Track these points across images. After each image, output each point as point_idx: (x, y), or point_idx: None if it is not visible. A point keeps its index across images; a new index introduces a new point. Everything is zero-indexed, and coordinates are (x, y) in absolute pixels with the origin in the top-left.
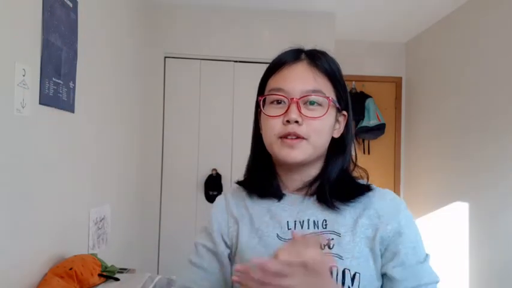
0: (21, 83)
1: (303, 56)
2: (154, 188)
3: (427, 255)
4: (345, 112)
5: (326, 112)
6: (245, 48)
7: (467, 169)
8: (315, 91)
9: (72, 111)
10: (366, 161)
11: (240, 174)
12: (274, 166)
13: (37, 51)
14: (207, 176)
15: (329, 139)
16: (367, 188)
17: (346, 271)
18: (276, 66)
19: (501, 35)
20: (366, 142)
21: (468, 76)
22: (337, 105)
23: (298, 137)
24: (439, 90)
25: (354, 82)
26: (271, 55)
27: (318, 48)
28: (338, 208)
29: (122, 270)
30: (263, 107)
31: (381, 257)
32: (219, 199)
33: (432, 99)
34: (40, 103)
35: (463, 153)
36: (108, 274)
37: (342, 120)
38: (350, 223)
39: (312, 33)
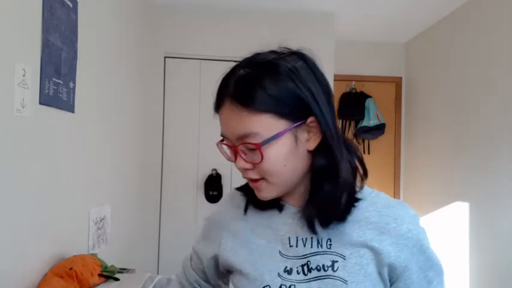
0: (21, 83)
1: (228, 93)
2: (155, 188)
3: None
4: (311, 118)
5: (261, 157)
6: (245, 48)
7: (468, 169)
8: (244, 137)
9: (72, 111)
10: (366, 161)
11: (240, 174)
12: None
13: (37, 51)
14: (207, 176)
15: (296, 163)
16: (351, 204)
17: None
18: (214, 108)
19: (501, 35)
20: (366, 142)
21: (468, 76)
22: (288, 128)
23: (257, 179)
24: (439, 90)
25: (353, 82)
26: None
27: (261, 47)
28: (316, 233)
29: (122, 270)
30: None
31: (390, 285)
32: (212, 216)
33: (432, 99)
34: (40, 103)
35: (463, 153)
36: (108, 274)
37: (314, 126)
38: (357, 242)
39: (312, 33)
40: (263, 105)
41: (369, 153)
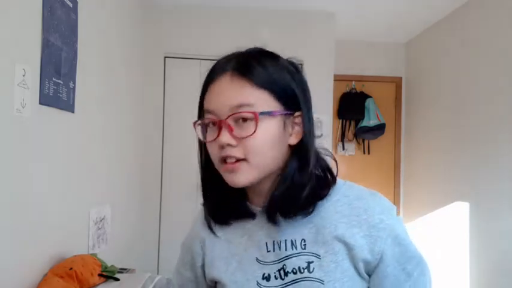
0: (21, 83)
1: (229, 66)
2: (155, 188)
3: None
4: (298, 113)
5: (255, 129)
6: (245, 48)
7: (468, 169)
8: (241, 106)
9: (72, 111)
10: (366, 161)
11: None
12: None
13: (37, 51)
14: None
15: (279, 151)
16: (317, 197)
17: None
18: (205, 83)
19: (501, 35)
20: (366, 142)
21: (468, 76)
22: (281, 112)
23: (236, 159)
24: (438, 90)
25: (353, 82)
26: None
27: (262, 46)
28: (279, 225)
29: (122, 270)
30: (204, 131)
31: (368, 280)
32: (190, 234)
33: (432, 99)
34: (40, 103)
35: (463, 153)
36: (108, 274)
37: (300, 121)
38: (330, 238)
39: (312, 33)
40: (262, 81)
41: (369, 153)
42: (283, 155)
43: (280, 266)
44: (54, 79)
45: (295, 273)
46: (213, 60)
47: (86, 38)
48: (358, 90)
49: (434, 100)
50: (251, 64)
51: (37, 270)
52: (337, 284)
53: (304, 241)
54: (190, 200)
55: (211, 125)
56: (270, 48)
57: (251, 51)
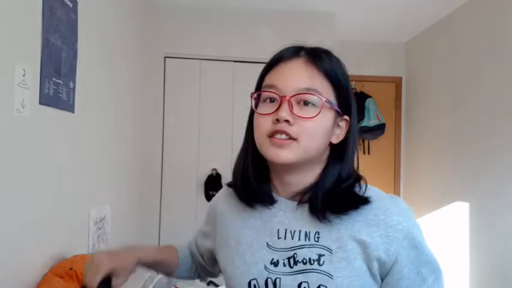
0: (21, 83)
1: (302, 53)
2: (155, 188)
3: (436, 272)
4: (346, 117)
5: (319, 113)
6: (245, 48)
7: (468, 169)
8: (308, 90)
9: (72, 111)
10: (366, 161)
11: None
12: (268, 169)
13: (37, 51)
14: (207, 176)
15: (324, 143)
16: (364, 201)
17: None
18: (273, 62)
19: (501, 35)
20: (366, 142)
21: (468, 76)
22: (336, 108)
23: (288, 137)
24: (439, 90)
25: (353, 82)
26: (271, 55)
27: (323, 46)
28: (329, 221)
29: None
30: (256, 104)
31: (381, 280)
32: (214, 201)
33: (432, 99)
34: (40, 103)
35: (463, 153)
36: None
37: (344, 125)
38: (345, 237)
39: (312, 33)
40: (330, 74)
41: (369, 153)
42: (324, 149)
43: (290, 254)
44: (54, 79)
45: (305, 263)
46: (213, 60)
47: (86, 38)
48: (358, 90)
49: (434, 100)
50: (323, 56)
51: (37, 270)
52: (345, 280)
53: (318, 234)
54: (190, 199)
55: (268, 100)
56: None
57: (319, 47)
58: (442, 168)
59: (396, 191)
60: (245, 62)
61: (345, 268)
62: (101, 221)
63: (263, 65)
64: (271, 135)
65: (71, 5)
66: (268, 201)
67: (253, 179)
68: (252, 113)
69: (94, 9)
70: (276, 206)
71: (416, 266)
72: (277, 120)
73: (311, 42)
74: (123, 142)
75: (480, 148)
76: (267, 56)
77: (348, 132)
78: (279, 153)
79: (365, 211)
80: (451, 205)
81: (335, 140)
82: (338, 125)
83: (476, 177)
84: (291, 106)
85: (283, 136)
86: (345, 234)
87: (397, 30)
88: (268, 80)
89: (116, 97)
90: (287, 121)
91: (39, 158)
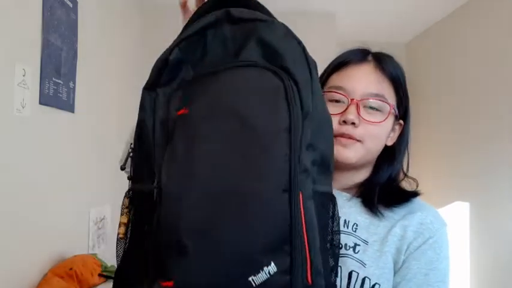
0: (21, 83)
1: (370, 57)
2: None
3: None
4: (401, 121)
5: (386, 118)
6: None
7: (468, 169)
8: (377, 95)
9: (72, 111)
10: None
11: None
12: None
13: (37, 51)
14: None
15: (383, 145)
16: (413, 194)
17: (367, 280)
18: (340, 64)
19: (501, 35)
20: None
21: (468, 76)
22: (396, 113)
23: (352, 138)
24: (439, 91)
25: None
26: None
27: (384, 51)
28: (381, 214)
29: None
30: None
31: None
32: None
33: (432, 99)
34: (40, 103)
35: (463, 153)
36: (108, 274)
37: (398, 128)
38: (382, 233)
39: (312, 33)
40: (395, 81)
41: None
42: (380, 150)
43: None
44: (54, 79)
45: (340, 248)
46: None
47: (86, 38)
48: None
49: (435, 100)
50: (388, 62)
51: (37, 270)
52: (377, 271)
53: (356, 225)
54: None
55: (334, 101)
56: None
57: (382, 52)
58: (442, 168)
59: None
60: None
61: (378, 260)
62: (101, 221)
63: None
64: (337, 136)
65: (71, 5)
66: None
67: None
68: None
69: (94, 9)
70: None
71: (427, 268)
72: (344, 121)
73: (311, 42)
74: (123, 142)
75: (480, 148)
76: None
77: (402, 135)
78: (343, 153)
79: (403, 211)
80: (451, 205)
81: (390, 142)
82: (393, 128)
83: (476, 177)
84: (358, 109)
85: (348, 137)
86: (383, 230)
87: (397, 30)
88: (335, 81)
89: (116, 97)
90: (353, 123)
91: (39, 158)
